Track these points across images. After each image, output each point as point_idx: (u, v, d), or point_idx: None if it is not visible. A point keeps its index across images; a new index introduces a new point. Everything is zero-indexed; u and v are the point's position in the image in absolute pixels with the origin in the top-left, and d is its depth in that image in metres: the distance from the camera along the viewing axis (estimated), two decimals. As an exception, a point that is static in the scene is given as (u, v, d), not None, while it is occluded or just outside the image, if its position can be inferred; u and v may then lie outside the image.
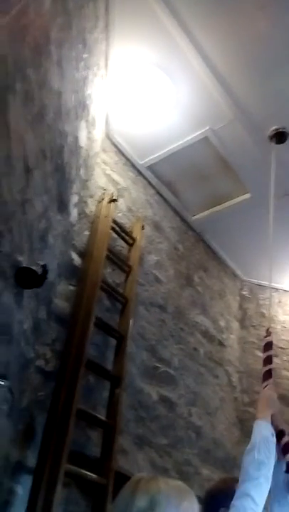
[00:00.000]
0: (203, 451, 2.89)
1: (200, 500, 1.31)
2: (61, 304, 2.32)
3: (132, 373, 2.54)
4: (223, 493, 1.48)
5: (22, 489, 1.78)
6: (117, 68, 2.72)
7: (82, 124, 2.41)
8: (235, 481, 1.40)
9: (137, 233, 2.95)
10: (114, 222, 2.79)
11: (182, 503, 1.01)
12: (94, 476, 1.94)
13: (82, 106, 2.35)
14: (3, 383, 1.32)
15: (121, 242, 2.89)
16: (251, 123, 2.86)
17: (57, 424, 1.87)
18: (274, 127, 2.81)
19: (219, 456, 3.02)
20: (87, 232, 2.68)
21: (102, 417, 2.13)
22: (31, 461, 1.85)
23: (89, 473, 1.93)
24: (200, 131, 2.98)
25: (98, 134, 2.89)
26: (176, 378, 2.93)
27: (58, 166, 2.05)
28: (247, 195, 3.33)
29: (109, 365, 2.37)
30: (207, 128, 2.94)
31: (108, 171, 3.07)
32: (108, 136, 3.16)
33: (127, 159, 3.26)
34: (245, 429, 3.28)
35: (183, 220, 3.62)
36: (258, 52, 2.52)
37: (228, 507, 1.37)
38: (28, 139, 1.62)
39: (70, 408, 1.91)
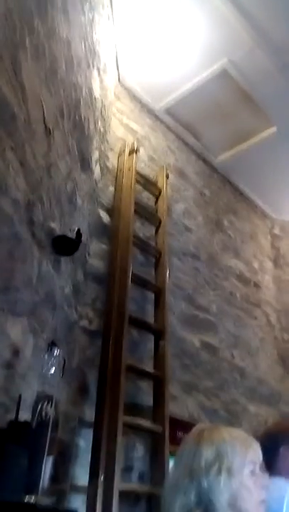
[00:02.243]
0: (248, 390, 2.97)
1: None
2: (96, 264, 2.32)
3: (172, 324, 2.57)
4: (281, 434, 1.51)
5: (84, 442, 1.88)
6: (122, 4, 2.51)
7: (95, 73, 2.27)
8: None
9: (162, 183, 2.86)
10: (138, 174, 2.70)
11: (248, 451, 1.02)
12: (149, 423, 2.03)
13: (92, 53, 2.20)
14: (56, 351, 1.34)
15: (147, 195, 2.81)
16: (273, 48, 2.63)
17: (109, 380, 1.93)
18: (299, 50, 2.58)
19: (264, 393, 3.10)
20: (111, 188, 2.61)
21: (151, 370, 2.18)
22: (89, 415, 1.93)
23: (145, 421, 2.01)
24: (218, 64, 2.76)
25: (110, 81, 2.73)
26: (215, 324, 2.96)
27: (76, 122, 1.96)
28: (273, 129, 3.14)
29: (150, 319, 2.40)
30: (225, 60, 2.72)
31: (125, 120, 2.93)
32: (121, 82, 2.98)
33: (143, 105, 3.10)
34: (287, 366, 3.34)
35: (207, 163, 3.48)
36: None
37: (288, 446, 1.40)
38: (45, 97, 1.53)
39: (120, 364, 1.96)
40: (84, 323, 2.13)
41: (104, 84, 2.52)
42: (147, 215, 2.70)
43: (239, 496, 0.95)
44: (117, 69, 2.90)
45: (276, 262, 3.80)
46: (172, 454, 1.92)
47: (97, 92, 2.33)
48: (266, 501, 0.99)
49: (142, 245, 2.57)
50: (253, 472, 1.00)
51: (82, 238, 1.79)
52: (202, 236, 3.17)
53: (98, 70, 2.36)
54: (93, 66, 2.25)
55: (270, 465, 1.46)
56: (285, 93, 2.85)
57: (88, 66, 2.16)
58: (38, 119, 1.47)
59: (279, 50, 2.63)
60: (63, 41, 1.72)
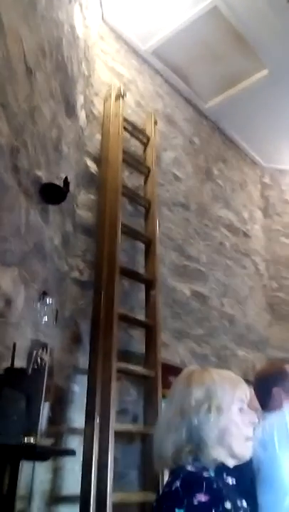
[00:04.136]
0: (237, 336, 3.06)
1: (250, 383, 1.38)
2: (85, 215, 2.28)
3: (163, 273, 2.58)
4: (273, 375, 1.57)
5: (78, 388, 1.94)
6: None
7: (76, 9, 2.12)
8: (284, 362, 1.46)
9: (150, 130, 2.77)
10: (125, 120, 2.59)
11: (236, 390, 1.05)
12: (142, 369, 2.09)
13: (73, -15, 2.04)
14: (49, 301, 1.34)
15: (135, 142, 2.72)
16: (267, -18, 2.47)
17: (102, 329, 1.96)
18: (295, -17, 2.43)
19: (253, 339, 3.20)
20: (98, 136, 2.52)
21: (143, 318, 2.21)
22: (82, 362, 1.98)
23: (138, 367, 2.07)
24: (208, 1, 2.60)
25: (93, 19, 2.55)
26: (205, 273, 2.98)
27: (59, 63, 1.84)
28: (264, 72, 3.02)
29: (140, 269, 2.40)
30: (216, -5, 2.56)
31: (110, 63, 2.78)
32: (104, 21, 2.80)
33: (129, 46, 2.93)
34: (275, 313, 3.42)
35: (196, 109, 3.36)
36: None
37: (280, 386, 1.46)
38: (24, 33, 1.42)
39: (112, 313, 1.98)
40: (75, 274, 2.13)
41: (86, 23, 2.35)
42: (136, 164, 2.63)
43: (228, 431, 0.99)
44: (101, 6, 2.71)
45: (265, 211, 3.80)
46: (164, 397, 1.99)
47: (79, 31, 2.18)
48: (253, 439, 1.03)
49: (131, 195, 2.52)
50: (241, 409, 1.03)
51: (70, 188, 1.74)
52: (192, 185, 3.13)
53: (80, 5, 2.20)
54: (75, 1, 2.09)
55: (264, 404, 1.55)
56: (278, 33, 2.71)
57: (70, 1, 2.00)
58: (18, 58, 1.37)
59: (273, -16, 2.47)
60: None
